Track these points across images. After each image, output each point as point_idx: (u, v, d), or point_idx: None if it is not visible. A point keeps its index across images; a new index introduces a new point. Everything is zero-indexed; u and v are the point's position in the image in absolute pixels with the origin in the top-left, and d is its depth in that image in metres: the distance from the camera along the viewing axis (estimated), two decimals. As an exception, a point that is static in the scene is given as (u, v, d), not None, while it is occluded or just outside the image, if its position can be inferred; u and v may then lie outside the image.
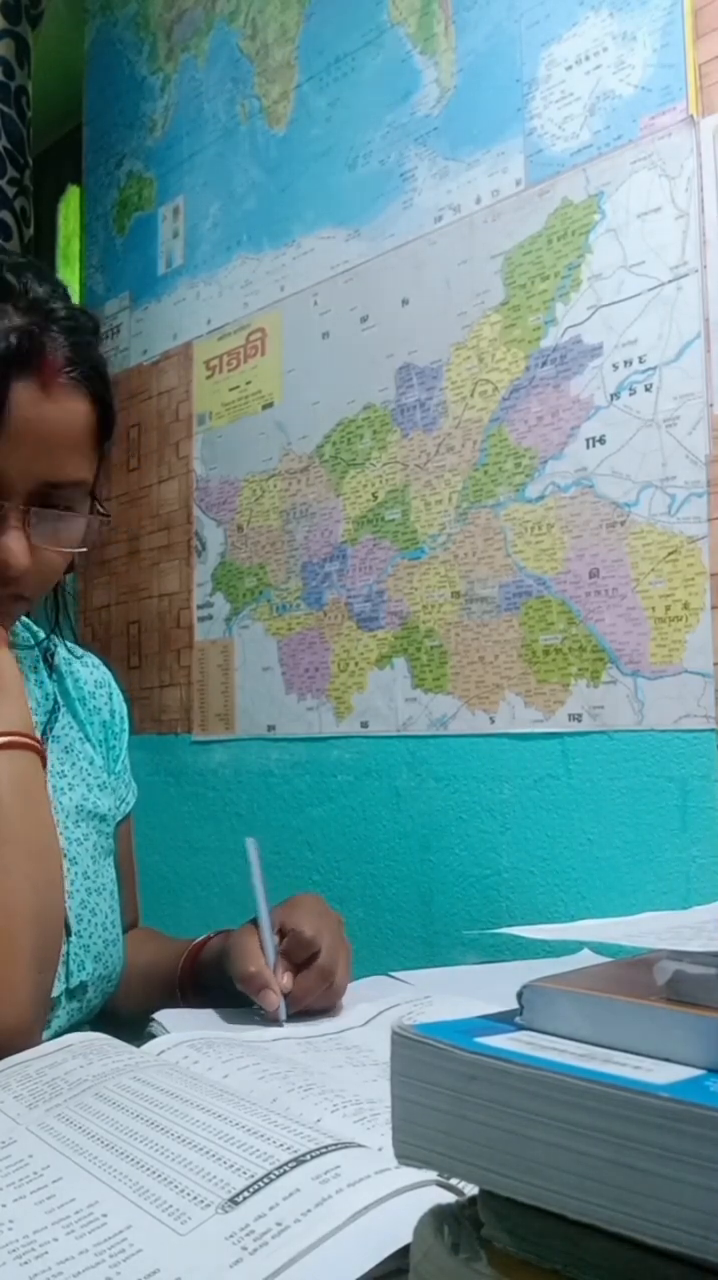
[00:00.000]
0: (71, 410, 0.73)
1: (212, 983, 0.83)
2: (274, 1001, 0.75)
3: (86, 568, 1.83)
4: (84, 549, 0.78)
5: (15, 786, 0.71)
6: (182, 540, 1.64)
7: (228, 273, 1.59)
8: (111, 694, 0.97)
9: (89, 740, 0.92)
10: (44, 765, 0.76)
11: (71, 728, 0.90)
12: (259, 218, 1.54)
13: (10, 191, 1.66)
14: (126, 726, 0.97)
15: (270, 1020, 0.75)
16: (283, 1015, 0.75)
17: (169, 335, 1.70)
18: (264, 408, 1.52)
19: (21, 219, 1.68)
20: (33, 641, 0.92)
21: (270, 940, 0.78)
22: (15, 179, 1.67)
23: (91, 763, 0.90)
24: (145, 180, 1.77)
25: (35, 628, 0.92)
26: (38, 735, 0.76)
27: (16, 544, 0.72)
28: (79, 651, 0.98)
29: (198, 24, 1.67)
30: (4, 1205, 0.42)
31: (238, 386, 1.56)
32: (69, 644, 0.97)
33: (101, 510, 0.79)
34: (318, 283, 1.44)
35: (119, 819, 0.94)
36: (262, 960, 0.77)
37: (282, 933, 0.80)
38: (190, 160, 1.68)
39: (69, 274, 2.33)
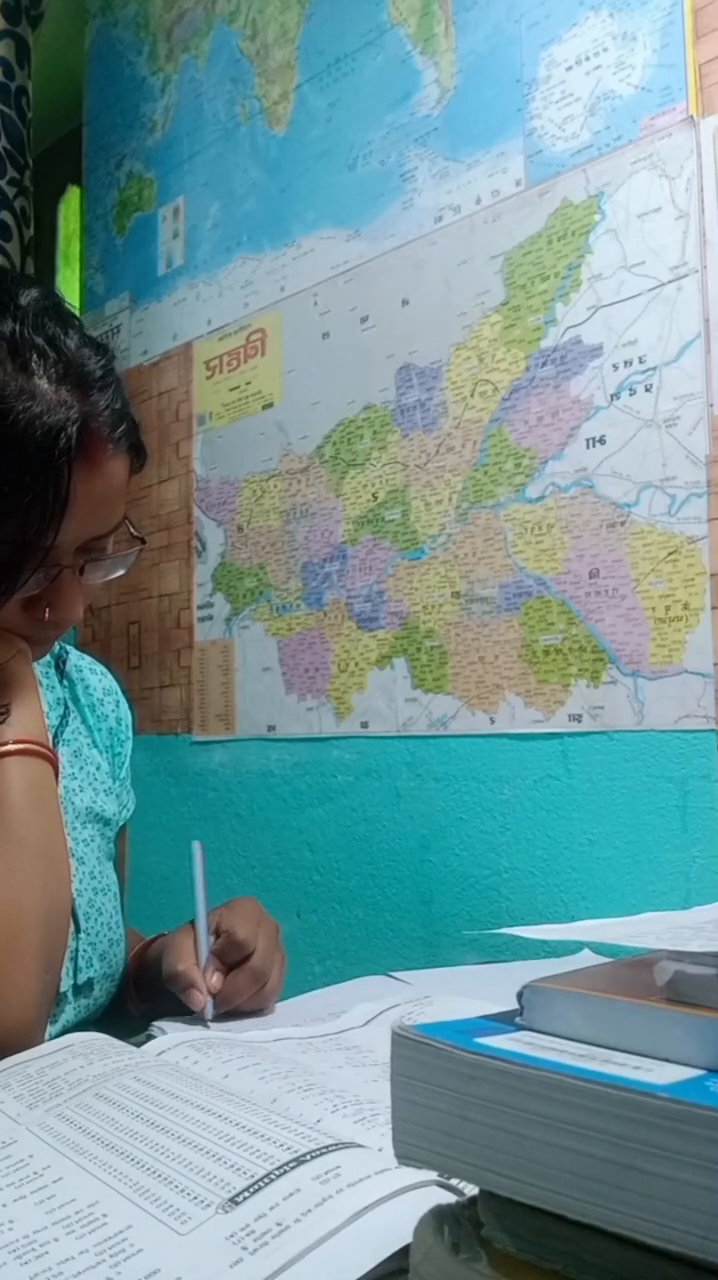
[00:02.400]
0: (117, 471, 0.74)
1: (154, 982, 0.84)
2: (199, 1001, 0.76)
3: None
4: (122, 573, 0.82)
5: (28, 790, 0.73)
6: (182, 540, 1.64)
7: (228, 273, 1.59)
8: (119, 702, 0.98)
9: (97, 746, 0.93)
10: (57, 774, 0.78)
11: (81, 733, 0.92)
12: (259, 218, 1.54)
13: (10, 192, 1.66)
14: (130, 736, 0.99)
15: (197, 1020, 0.76)
16: (208, 1014, 0.76)
17: (169, 335, 1.70)
18: (264, 408, 1.52)
19: (21, 219, 1.68)
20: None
21: (205, 940, 0.80)
22: (15, 179, 1.67)
23: (99, 768, 0.92)
24: (145, 180, 1.77)
25: None
26: (50, 744, 0.78)
27: (76, 601, 0.76)
28: (88, 659, 0.99)
29: (198, 24, 1.67)
30: (4, 1205, 0.42)
31: (238, 387, 1.56)
32: (79, 651, 0.99)
33: (135, 534, 0.81)
34: (318, 283, 1.45)
35: (120, 824, 0.95)
36: (191, 960, 0.78)
37: (218, 934, 0.81)
38: (190, 161, 1.68)
39: (69, 274, 2.33)
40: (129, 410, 0.76)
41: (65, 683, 0.93)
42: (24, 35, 1.71)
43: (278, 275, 1.51)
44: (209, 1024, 0.75)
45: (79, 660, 0.97)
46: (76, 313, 0.77)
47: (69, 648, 0.95)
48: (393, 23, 1.36)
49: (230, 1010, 0.78)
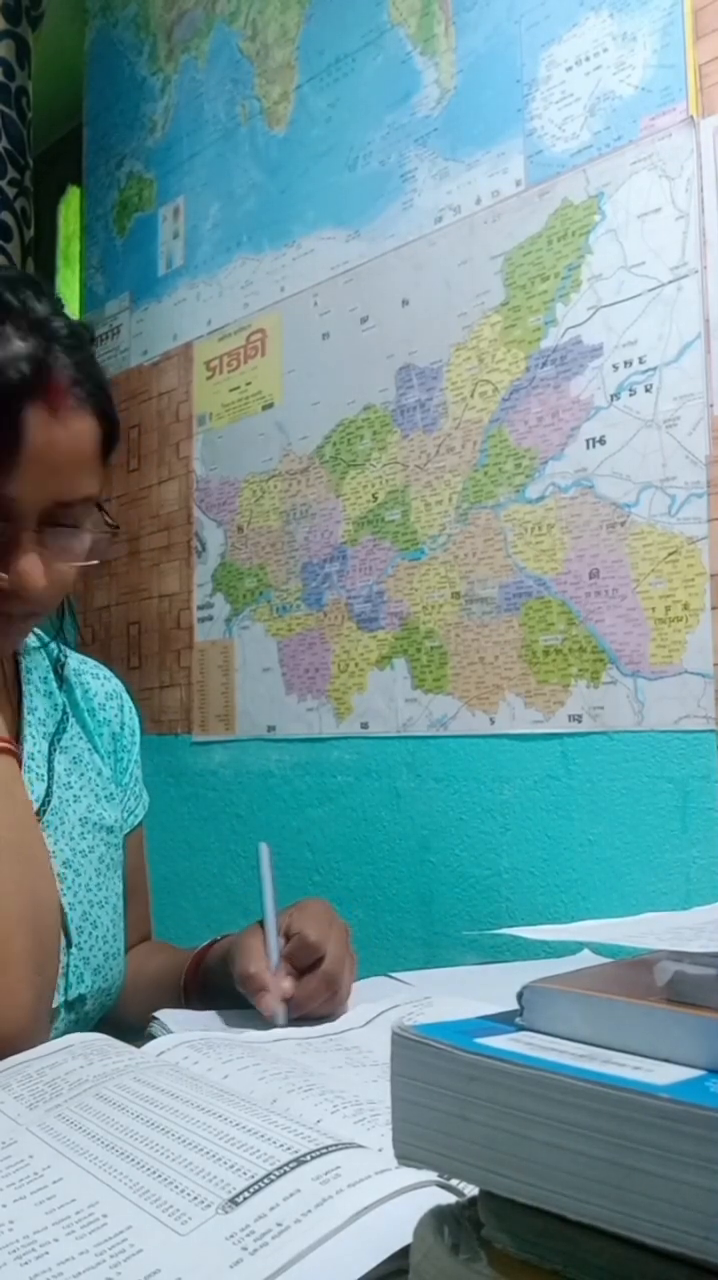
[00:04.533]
0: (80, 430, 0.73)
1: (217, 985, 0.82)
2: (269, 1005, 0.73)
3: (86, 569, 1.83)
4: (95, 561, 0.79)
5: None
6: (182, 541, 1.64)
7: (228, 273, 1.59)
8: (123, 705, 0.97)
9: (97, 751, 0.92)
10: (20, 766, 0.77)
11: (80, 738, 0.90)
12: (259, 218, 1.54)
13: (10, 192, 1.66)
14: (138, 739, 0.97)
15: (265, 1023, 0.73)
16: (281, 1019, 0.73)
17: (169, 336, 1.70)
18: (264, 408, 1.52)
19: (22, 220, 1.68)
20: (40, 645, 0.92)
21: (275, 943, 0.77)
22: (15, 180, 1.67)
23: (99, 774, 0.90)
24: (145, 181, 1.77)
25: (45, 638, 0.92)
26: (10, 738, 0.77)
27: (34, 566, 0.73)
28: (91, 663, 0.98)
29: (198, 25, 1.67)
30: (4, 1205, 0.42)
31: (238, 387, 1.56)
32: (80, 655, 0.97)
33: (110, 522, 0.80)
34: (318, 283, 1.45)
35: (127, 830, 0.94)
36: (263, 962, 0.75)
37: (287, 936, 0.78)
38: (190, 161, 1.68)
39: (69, 275, 2.33)
40: (103, 382, 0.76)
41: (64, 688, 0.92)
42: (24, 35, 1.71)
43: (278, 275, 1.51)
44: (283, 1026, 0.73)
45: (80, 665, 0.96)
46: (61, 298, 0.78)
47: (69, 652, 0.94)
48: (393, 23, 1.36)
49: (302, 1015, 0.75)
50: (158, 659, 1.67)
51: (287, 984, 0.74)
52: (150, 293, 1.75)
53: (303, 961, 0.76)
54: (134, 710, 0.99)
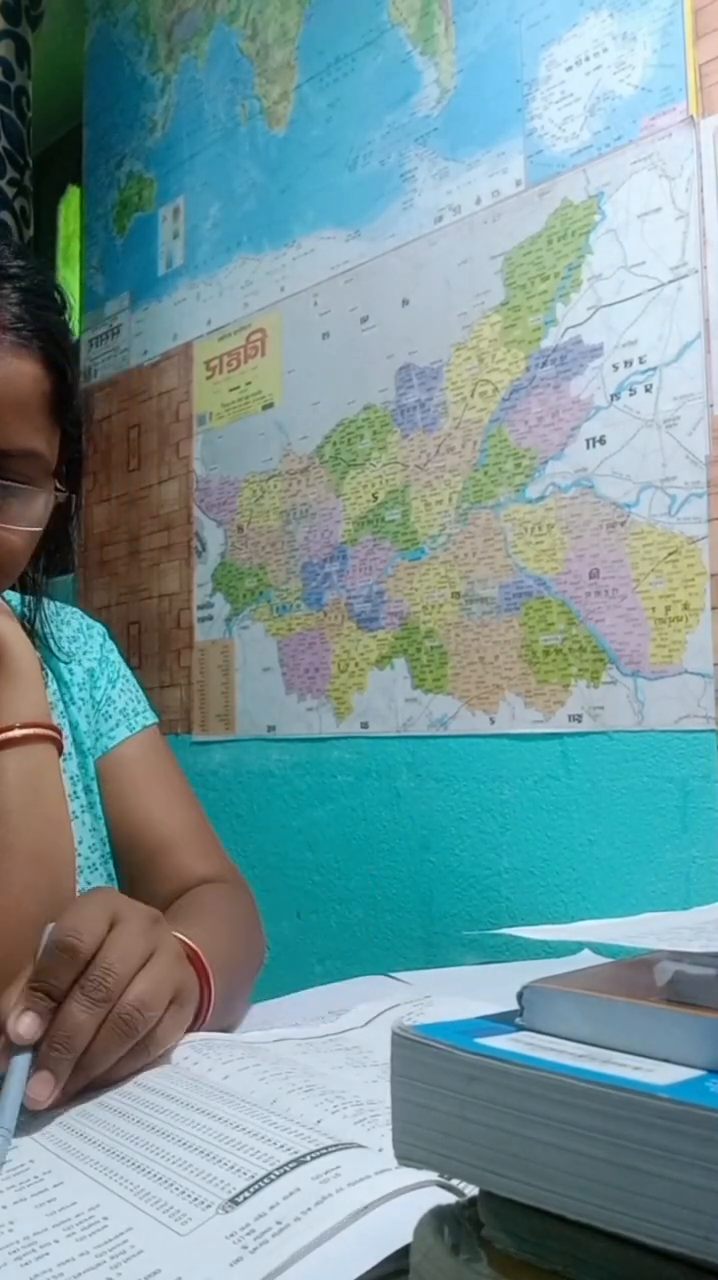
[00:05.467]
0: (17, 370, 0.67)
1: None
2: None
3: (86, 568, 1.83)
4: (38, 528, 0.72)
5: (24, 786, 0.68)
6: (182, 541, 1.64)
7: (228, 273, 1.59)
8: (89, 638, 0.91)
9: (74, 701, 0.86)
10: (61, 751, 0.72)
11: (54, 695, 0.85)
12: (259, 218, 1.54)
13: (10, 192, 1.66)
14: (111, 657, 0.91)
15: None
16: (37, 1098, 0.48)
17: (169, 335, 1.70)
18: (264, 408, 1.52)
19: (21, 219, 1.68)
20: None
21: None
22: (15, 179, 1.67)
23: (76, 727, 0.85)
24: (145, 181, 1.77)
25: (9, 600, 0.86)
26: (49, 722, 0.72)
27: None
28: (54, 607, 0.90)
29: (198, 24, 1.67)
30: (4, 1207, 0.42)
31: (238, 387, 1.56)
32: (51, 604, 0.90)
33: (60, 488, 0.73)
34: (318, 283, 1.45)
35: (98, 754, 0.86)
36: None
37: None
38: (190, 161, 1.68)
39: (69, 274, 2.33)
40: (56, 333, 0.71)
41: (38, 645, 0.84)
42: (24, 35, 1.71)
43: (278, 275, 1.51)
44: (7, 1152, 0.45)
45: (48, 614, 0.88)
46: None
47: (35, 605, 0.86)
48: (393, 23, 1.36)
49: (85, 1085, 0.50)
50: (158, 659, 1.67)
51: (25, 1022, 0.50)
52: (150, 292, 1.75)
53: (62, 976, 0.51)
54: (102, 631, 0.93)
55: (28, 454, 0.70)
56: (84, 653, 0.89)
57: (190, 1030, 0.59)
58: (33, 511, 0.71)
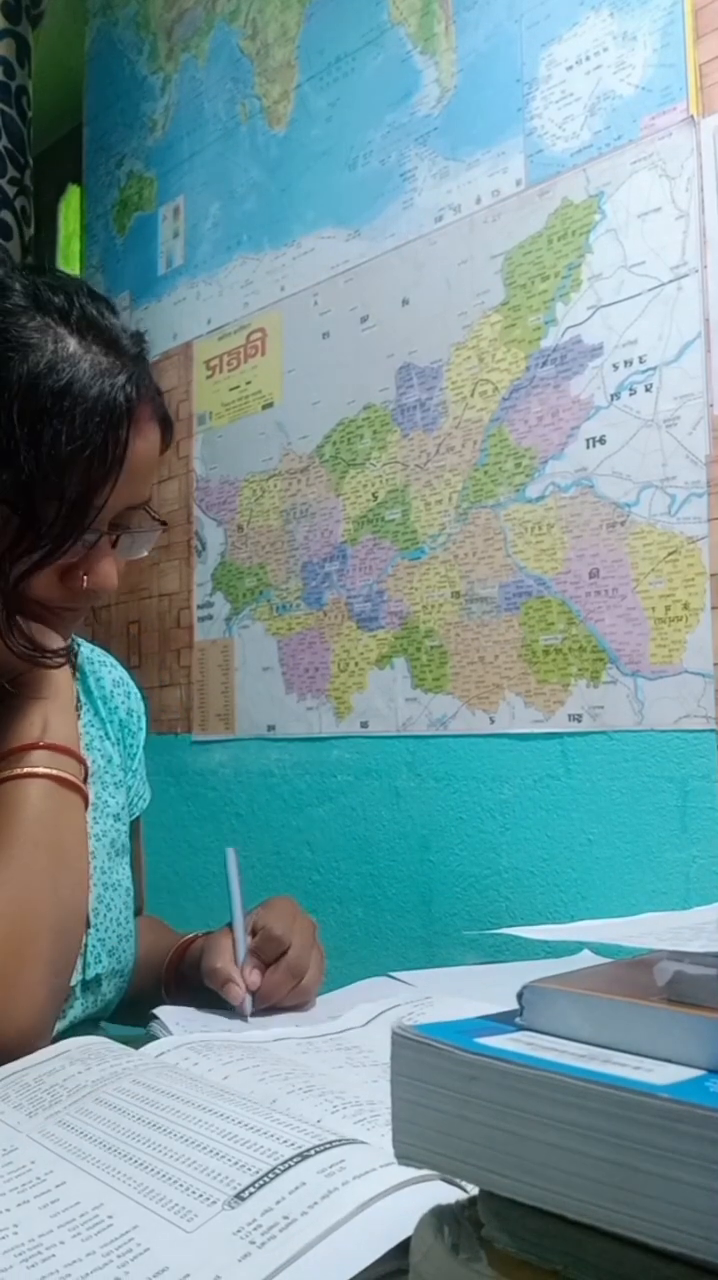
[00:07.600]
0: (154, 439, 0.78)
1: (193, 981, 0.85)
2: (237, 995, 0.78)
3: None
4: (144, 554, 0.84)
5: (47, 795, 0.73)
6: (182, 540, 1.64)
7: (228, 273, 1.59)
8: (129, 693, 0.99)
9: (109, 738, 0.93)
10: (87, 806, 0.78)
11: (94, 725, 0.91)
12: (259, 218, 1.54)
13: (10, 191, 1.66)
14: (144, 726, 0.99)
15: (237, 1015, 0.78)
16: (248, 1009, 0.78)
17: (169, 335, 1.70)
18: (264, 408, 1.52)
19: (22, 219, 1.68)
20: None
21: (243, 938, 0.82)
22: (15, 179, 1.67)
23: (110, 761, 0.91)
24: (145, 180, 1.77)
25: None
26: (82, 751, 0.79)
27: (113, 568, 0.78)
28: (99, 651, 0.99)
29: (198, 24, 1.67)
30: (8, 1210, 0.42)
31: (238, 386, 1.56)
32: (89, 643, 0.98)
33: (155, 517, 0.83)
34: (318, 283, 1.44)
35: (132, 818, 0.95)
36: (229, 957, 0.80)
37: (254, 933, 0.83)
38: (190, 160, 1.68)
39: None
40: (159, 388, 0.80)
41: (78, 676, 0.92)
42: (24, 35, 1.71)
43: (278, 275, 1.51)
44: (249, 1019, 0.78)
45: (89, 653, 0.97)
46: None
47: (79, 640, 0.95)
48: (393, 22, 1.36)
49: (271, 1006, 0.80)
50: (158, 658, 1.67)
51: (253, 976, 0.80)
52: (150, 292, 1.75)
53: (269, 955, 0.81)
54: (140, 697, 1.00)
55: (147, 501, 0.81)
56: (121, 704, 0.97)
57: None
58: (147, 545, 0.83)
